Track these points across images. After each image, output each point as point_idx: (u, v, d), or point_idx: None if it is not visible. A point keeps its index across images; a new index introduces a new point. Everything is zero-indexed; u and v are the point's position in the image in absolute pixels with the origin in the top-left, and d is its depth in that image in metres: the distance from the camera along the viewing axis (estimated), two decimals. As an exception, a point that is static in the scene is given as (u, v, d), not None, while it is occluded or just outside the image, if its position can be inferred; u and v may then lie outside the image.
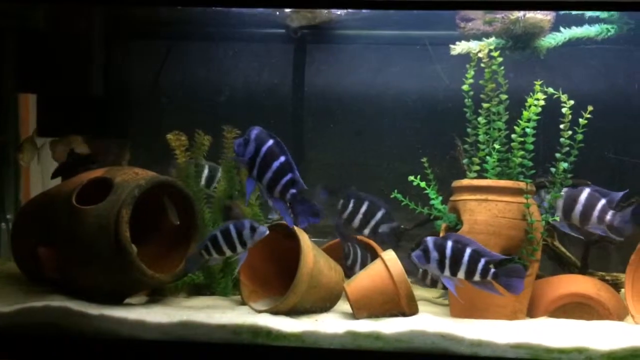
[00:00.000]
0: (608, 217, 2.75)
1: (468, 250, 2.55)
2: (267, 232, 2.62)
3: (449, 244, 2.57)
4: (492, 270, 2.54)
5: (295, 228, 2.76)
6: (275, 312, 2.65)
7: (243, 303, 2.87)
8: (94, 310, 2.51)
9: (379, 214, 3.21)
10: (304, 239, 2.74)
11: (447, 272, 2.57)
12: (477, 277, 2.56)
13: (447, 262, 2.56)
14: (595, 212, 2.78)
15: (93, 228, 2.64)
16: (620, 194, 2.79)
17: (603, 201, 2.77)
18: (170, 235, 3.05)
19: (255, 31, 3.86)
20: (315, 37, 3.80)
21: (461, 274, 2.57)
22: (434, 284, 3.34)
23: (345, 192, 3.26)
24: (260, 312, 2.68)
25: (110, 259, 2.64)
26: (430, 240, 2.60)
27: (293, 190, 2.50)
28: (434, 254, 2.57)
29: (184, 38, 3.99)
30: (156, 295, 3.02)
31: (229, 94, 3.88)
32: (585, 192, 2.80)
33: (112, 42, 3.88)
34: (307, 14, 3.46)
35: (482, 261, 2.54)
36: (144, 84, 4.05)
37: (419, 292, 3.48)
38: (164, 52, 3.98)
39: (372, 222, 3.20)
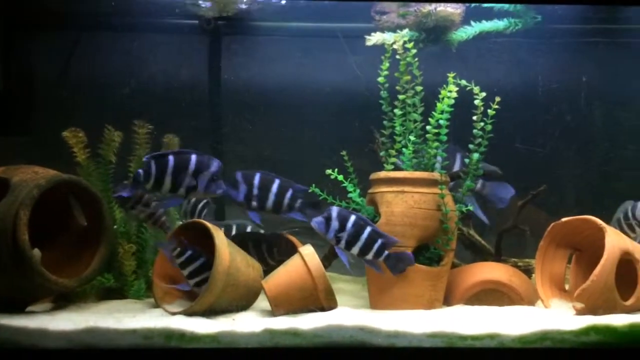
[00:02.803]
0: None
1: (368, 229, 2.67)
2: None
3: (352, 218, 2.67)
4: (386, 252, 2.68)
5: (210, 225, 2.67)
6: (190, 313, 2.56)
7: (157, 305, 2.75)
8: (-9, 319, 2.34)
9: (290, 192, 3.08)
10: (219, 236, 2.66)
11: (342, 244, 2.67)
12: (370, 256, 2.68)
13: (345, 235, 2.66)
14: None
15: (-12, 232, 2.46)
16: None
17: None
18: (79, 237, 2.89)
19: (167, 22, 3.72)
20: (230, 29, 3.71)
21: (355, 250, 2.68)
22: None
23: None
24: (174, 314, 2.58)
25: (8, 264, 2.49)
26: (334, 209, 2.69)
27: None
28: (335, 224, 2.66)
29: (93, 29, 3.80)
30: (62, 301, 2.85)
31: (141, 87, 3.72)
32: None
33: (13, 33, 3.64)
34: (218, 4, 3.36)
35: (379, 242, 2.67)
36: (50, 77, 3.83)
37: (341, 284, 3.49)
38: (71, 43, 3.77)
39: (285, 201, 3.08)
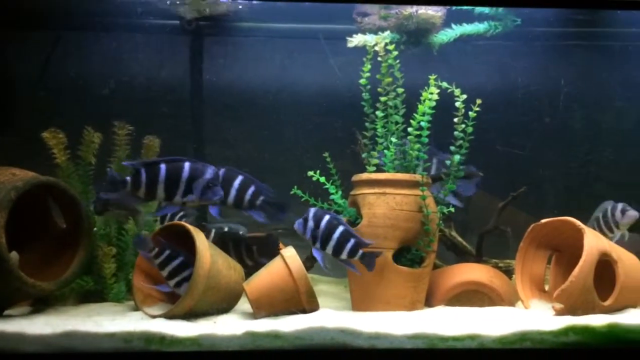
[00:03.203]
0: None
1: (340, 229, 2.69)
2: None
3: (326, 217, 2.71)
4: (361, 251, 2.69)
5: (191, 228, 2.66)
6: (170, 316, 2.54)
7: (137, 308, 2.73)
8: (-33, 324, 2.30)
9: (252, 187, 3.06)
10: (200, 238, 2.64)
11: (318, 244, 2.70)
12: (344, 255, 2.70)
13: (320, 234, 2.69)
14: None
15: (-36, 235, 2.42)
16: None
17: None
18: (58, 240, 2.86)
19: (148, 22, 3.68)
20: (212, 30, 3.69)
21: (329, 249, 2.70)
22: None
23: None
24: (154, 317, 2.56)
25: (-16, 268, 2.43)
26: (312, 210, 2.73)
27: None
28: (311, 224, 2.69)
29: (73, 29, 3.75)
30: (41, 304, 2.81)
31: (121, 88, 3.69)
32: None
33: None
34: (198, 5, 3.34)
35: (352, 241, 2.69)
36: (29, 77, 3.77)
37: (323, 286, 3.49)
38: (51, 43, 3.72)
39: (247, 197, 3.04)
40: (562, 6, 3.46)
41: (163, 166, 2.67)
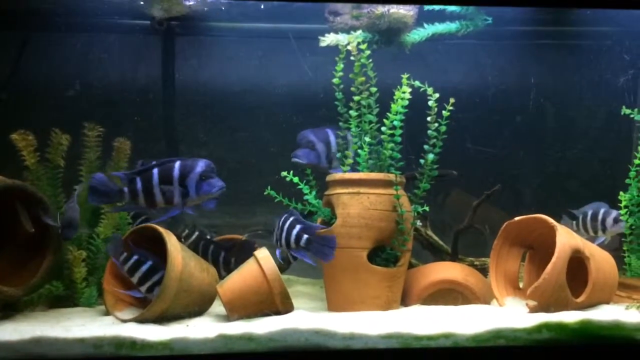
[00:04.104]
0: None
1: (290, 219, 2.71)
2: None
3: (284, 215, 2.74)
4: (305, 236, 2.66)
5: (162, 230, 2.62)
6: (142, 320, 2.50)
7: (108, 313, 2.68)
8: None
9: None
10: (172, 241, 2.60)
11: (281, 242, 2.72)
12: (292, 244, 2.68)
13: (277, 231, 2.73)
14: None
15: None
16: None
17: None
18: (26, 244, 2.80)
19: (119, 22, 3.63)
20: (184, 30, 3.65)
21: (283, 243, 2.71)
22: None
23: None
24: (125, 321, 2.51)
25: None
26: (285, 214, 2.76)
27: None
28: (276, 224, 2.75)
29: (43, 29, 3.68)
30: (9, 310, 2.74)
31: (92, 89, 3.63)
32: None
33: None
34: (165, 4, 3.30)
35: (297, 228, 2.68)
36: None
37: (300, 287, 3.47)
38: (20, 44, 3.65)
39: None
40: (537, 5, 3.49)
41: (155, 170, 2.67)
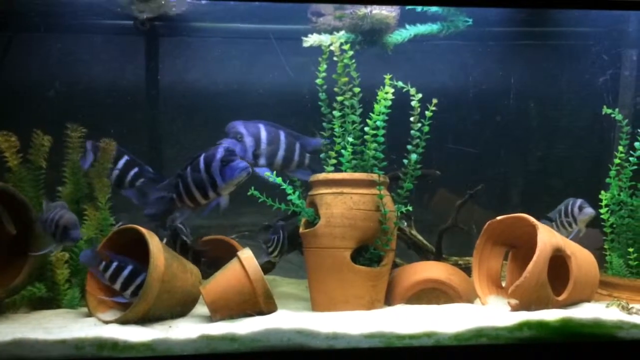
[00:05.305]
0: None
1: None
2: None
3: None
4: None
5: (145, 231, 2.61)
6: (124, 321, 2.49)
7: (90, 315, 2.67)
8: None
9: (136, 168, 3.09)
10: (154, 242, 2.59)
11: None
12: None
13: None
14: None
15: None
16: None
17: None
18: (8, 246, 2.78)
19: (102, 22, 3.62)
20: (167, 30, 3.64)
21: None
22: None
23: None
24: (107, 322, 2.50)
25: None
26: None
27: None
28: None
29: (26, 30, 3.66)
30: (-10, 312, 2.73)
31: (75, 90, 3.61)
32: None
33: None
34: (150, 4, 3.29)
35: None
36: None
37: (285, 288, 3.47)
38: (3, 44, 3.62)
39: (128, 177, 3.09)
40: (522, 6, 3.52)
41: (188, 170, 2.73)
